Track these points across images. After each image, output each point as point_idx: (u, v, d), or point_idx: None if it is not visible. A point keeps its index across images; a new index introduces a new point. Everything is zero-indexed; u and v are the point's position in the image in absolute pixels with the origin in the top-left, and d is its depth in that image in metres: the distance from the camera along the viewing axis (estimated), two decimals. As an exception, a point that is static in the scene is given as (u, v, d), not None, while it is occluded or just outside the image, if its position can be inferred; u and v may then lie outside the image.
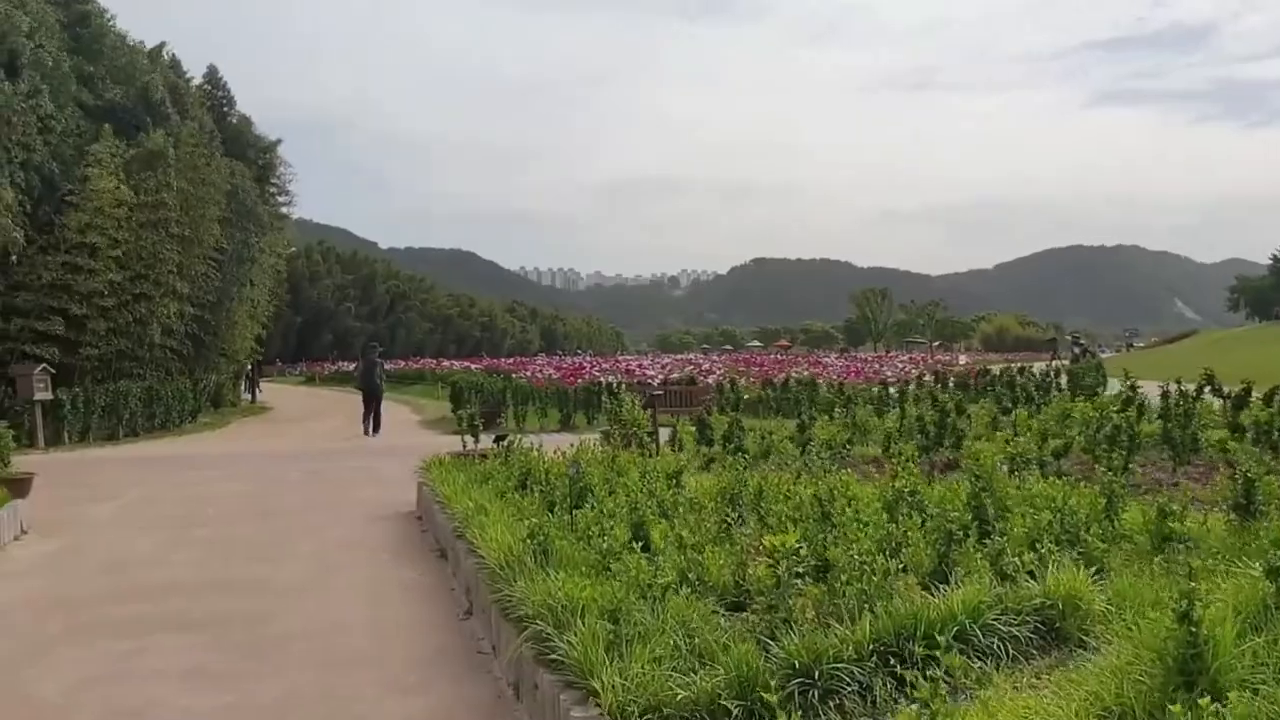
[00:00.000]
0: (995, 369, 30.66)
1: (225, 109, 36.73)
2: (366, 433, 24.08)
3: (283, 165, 38.84)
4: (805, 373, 33.96)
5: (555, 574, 5.19)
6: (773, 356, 63.35)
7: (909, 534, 5.62)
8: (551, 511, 7.49)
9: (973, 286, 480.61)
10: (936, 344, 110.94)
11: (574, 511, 7.22)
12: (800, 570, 4.84)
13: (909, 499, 6.69)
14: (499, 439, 10.94)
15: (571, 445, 10.38)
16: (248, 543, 9.56)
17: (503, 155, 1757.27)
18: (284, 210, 39.20)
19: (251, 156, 36.03)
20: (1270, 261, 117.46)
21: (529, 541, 5.84)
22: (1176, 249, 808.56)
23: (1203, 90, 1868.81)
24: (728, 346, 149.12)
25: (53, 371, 22.93)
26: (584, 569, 5.30)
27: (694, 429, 13.49)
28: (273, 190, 38.10)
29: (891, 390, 27.37)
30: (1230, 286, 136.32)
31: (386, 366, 30.17)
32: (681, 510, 7.12)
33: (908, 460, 9.32)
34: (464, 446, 12.16)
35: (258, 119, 40.13)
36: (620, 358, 69.68)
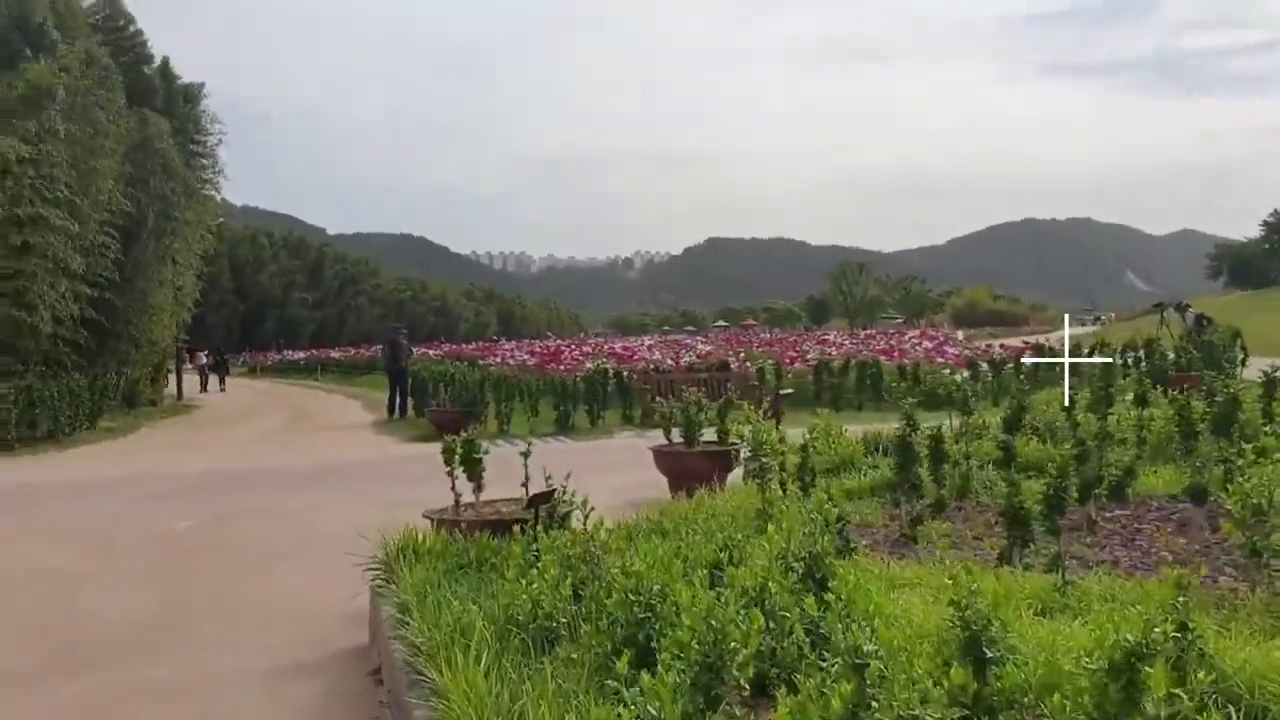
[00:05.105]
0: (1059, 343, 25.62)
1: (130, 42, 29.91)
2: (392, 416, 23.37)
3: (209, 119, 32.44)
4: (818, 352, 28.72)
5: None
6: (775, 335, 57.99)
7: None
8: None
9: (926, 262, 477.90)
10: (900, 320, 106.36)
11: None
12: None
13: None
14: (535, 501, 5.61)
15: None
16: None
17: (439, 130, 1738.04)
18: (210, 175, 32.55)
19: (166, 106, 29.64)
20: (1262, 227, 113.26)
21: None
22: (1128, 221, 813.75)
23: (1145, 60, 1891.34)
24: (690, 327, 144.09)
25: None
26: None
27: (888, 456, 8.04)
28: (196, 150, 31.73)
29: (981, 371, 22.60)
30: (1209, 254, 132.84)
31: (333, 355, 25.79)
32: None
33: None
34: (456, 503, 6.74)
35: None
36: (595, 339, 63.85)
